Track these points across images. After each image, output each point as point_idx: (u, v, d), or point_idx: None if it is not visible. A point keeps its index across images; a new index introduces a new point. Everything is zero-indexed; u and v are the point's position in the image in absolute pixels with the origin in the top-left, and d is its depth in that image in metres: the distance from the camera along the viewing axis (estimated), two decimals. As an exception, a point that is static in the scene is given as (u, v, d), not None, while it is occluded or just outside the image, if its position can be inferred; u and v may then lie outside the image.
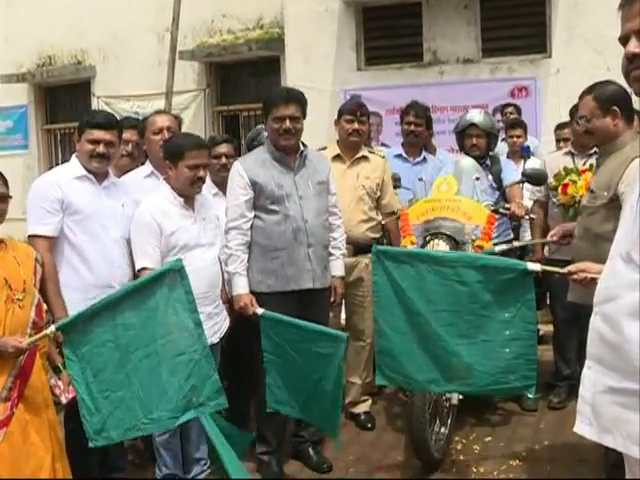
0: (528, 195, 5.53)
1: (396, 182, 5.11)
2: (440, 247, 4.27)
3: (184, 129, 11.12)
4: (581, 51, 8.28)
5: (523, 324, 3.38)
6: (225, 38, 11.29)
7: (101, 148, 3.89)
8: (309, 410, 3.89)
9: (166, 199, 3.96)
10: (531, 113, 8.14)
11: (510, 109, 7.44)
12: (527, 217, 4.89)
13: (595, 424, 2.03)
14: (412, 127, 5.78)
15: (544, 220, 5.29)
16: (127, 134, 4.54)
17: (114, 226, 3.93)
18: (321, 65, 9.47)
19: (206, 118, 11.49)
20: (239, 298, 4.14)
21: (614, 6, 2.02)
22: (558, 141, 6.23)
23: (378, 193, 5.02)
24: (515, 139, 6.52)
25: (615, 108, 3.78)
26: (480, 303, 3.41)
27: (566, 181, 4.83)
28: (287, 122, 4.18)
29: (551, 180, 4.98)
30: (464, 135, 5.29)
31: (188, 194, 4.00)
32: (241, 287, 4.16)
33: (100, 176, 3.96)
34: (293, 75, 9.57)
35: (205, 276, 3.95)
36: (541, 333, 6.36)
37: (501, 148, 6.18)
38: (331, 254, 4.43)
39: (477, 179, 4.65)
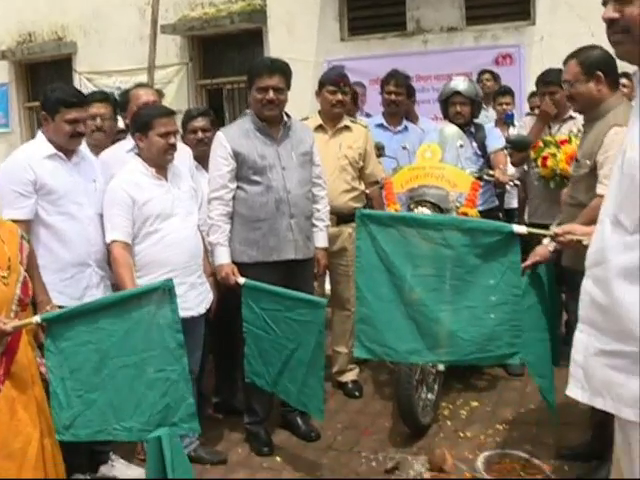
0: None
1: (380, 151, 5.10)
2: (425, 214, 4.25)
3: (167, 104, 11.10)
4: (565, 18, 8.25)
5: (508, 288, 3.32)
6: (207, 11, 11.20)
7: (81, 127, 3.86)
8: (282, 385, 3.88)
9: (137, 171, 3.94)
10: (515, 80, 8.12)
11: (486, 76, 7.37)
12: (512, 183, 4.89)
13: (587, 387, 2.04)
14: (392, 96, 5.78)
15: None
16: (94, 108, 4.48)
17: (87, 203, 3.88)
18: (304, 36, 9.42)
19: (189, 92, 11.43)
20: (221, 268, 4.16)
21: (598, -27, 2.01)
22: (532, 109, 6.25)
23: (361, 163, 5.01)
24: (505, 106, 6.51)
25: (599, 73, 3.71)
26: (465, 267, 3.35)
27: (545, 154, 4.82)
28: (270, 93, 4.17)
29: (531, 154, 4.98)
30: (448, 103, 5.28)
31: (162, 163, 3.98)
32: (223, 257, 4.18)
33: (69, 153, 3.90)
34: (276, 47, 9.52)
35: (185, 246, 3.95)
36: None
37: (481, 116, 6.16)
38: (314, 225, 4.44)
39: (461, 146, 4.65)
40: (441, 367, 4.44)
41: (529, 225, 4.99)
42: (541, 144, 4.92)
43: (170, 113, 4.02)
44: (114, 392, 3.28)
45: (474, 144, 5.24)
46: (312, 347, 3.69)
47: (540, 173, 4.89)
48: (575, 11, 8.05)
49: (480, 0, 8.80)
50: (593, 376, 2.00)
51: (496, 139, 5.34)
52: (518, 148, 4.83)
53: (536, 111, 6.09)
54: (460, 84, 5.28)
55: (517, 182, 4.94)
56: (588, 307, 2.03)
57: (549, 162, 4.76)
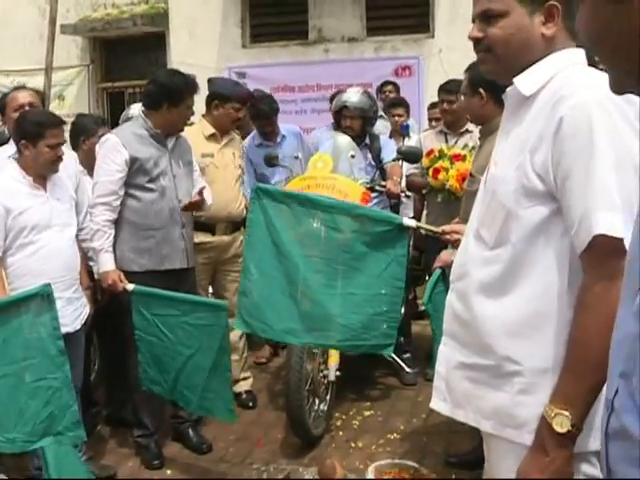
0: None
1: (273, 160, 5.10)
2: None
3: (67, 106, 10.81)
4: (463, 32, 8.20)
5: (391, 280, 3.35)
6: (109, 12, 10.99)
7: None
8: (179, 393, 3.83)
9: (13, 179, 3.77)
10: (414, 92, 8.27)
11: (389, 87, 7.46)
12: (403, 194, 4.93)
13: (449, 399, 2.08)
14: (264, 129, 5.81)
15: (421, 196, 5.37)
16: None
17: None
18: (206, 42, 9.37)
19: (90, 94, 11.18)
20: (107, 275, 4.04)
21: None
22: (430, 120, 6.35)
23: None
24: (397, 118, 6.57)
25: (481, 90, 3.77)
26: (352, 253, 3.36)
27: (437, 166, 4.88)
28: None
29: (424, 159, 5.04)
30: (340, 115, 5.29)
31: (46, 174, 3.83)
32: (108, 264, 4.07)
33: None
34: (178, 51, 9.44)
35: (60, 259, 3.79)
36: (422, 308, 6.48)
37: (380, 126, 6.20)
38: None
39: (352, 157, 4.68)
40: (332, 377, 4.44)
41: (426, 238, 5.10)
42: (436, 154, 4.99)
43: (62, 123, 3.89)
44: None
45: (369, 155, 5.27)
46: (215, 350, 3.65)
47: (430, 183, 4.96)
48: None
49: (380, 12, 8.93)
50: (454, 388, 2.04)
51: (391, 151, 5.36)
52: (409, 159, 4.88)
53: (433, 123, 6.20)
54: (352, 97, 5.25)
55: (409, 193, 4.99)
56: (451, 320, 2.06)
57: (440, 175, 4.83)
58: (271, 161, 5.07)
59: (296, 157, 4.91)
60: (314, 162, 4.60)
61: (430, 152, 5.03)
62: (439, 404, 2.12)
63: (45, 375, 3.18)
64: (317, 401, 4.45)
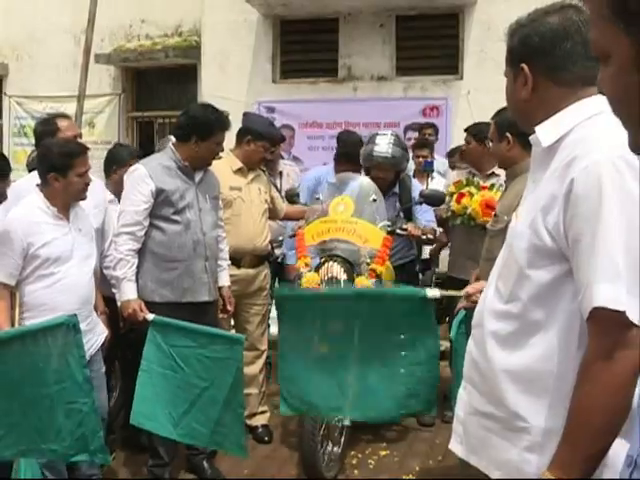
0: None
1: (294, 197, 5.13)
2: (335, 269, 4.25)
3: (97, 134, 10.97)
4: (491, 74, 8.48)
5: (424, 350, 3.42)
6: (143, 43, 11.19)
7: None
8: (187, 428, 3.78)
9: (37, 208, 3.74)
10: (442, 132, 8.28)
11: (430, 130, 7.47)
12: (424, 237, 4.90)
13: (465, 443, 2.10)
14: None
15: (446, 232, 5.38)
16: None
17: None
18: (237, 76, 9.47)
19: (120, 123, 11.35)
20: (128, 304, 4.07)
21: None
22: (452, 168, 6.35)
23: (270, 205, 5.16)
24: (421, 159, 6.58)
25: (508, 135, 3.82)
26: (383, 333, 3.44)
27: (463, 191, 4.88)
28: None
29: (451, 186, 5.06)
30: (368, 166, 5.14)
31: (75, 202, 3.85)
32: (130, 293, 4.10)
33: None
34: (208, 84, 9.55)
35: (77, 292, 3.77)
36: (442, 349, 6.45)
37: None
38: (219, 265, 4.52)
39: (374, 200, 4.58)
40: (347, 422, 4.37)
41: (448, 278, 5.09)
42: (463, 181, 4.98)
43: (86, 149, 3.89)
44: (37, 419, 3.29)
45: (397, 204, 5.17)
46: (229, 385, 3.65)
47: (451, 207, 4.96)
48: (500, 68, 8.09)
49: (410, 52, 9.01)
50: (470, 434, 2.06)
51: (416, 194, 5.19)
52: (431, 203, 4.87)
53: (454, 171, 6.21)
54: (382, 149, 4.99)
55: (430, 236, 4.94)
56: (469, 366, 2.08)
57: (464, 200, 4.81)
58: (291, 198, 5.11)
59: (317, 198, 4.84)
60: (335, 205, 4.53)
61: (458, 181, 5.04)
62: (456, 446, 2.15)
63: (77, 399, 3.32)
64: (331, 445, 4.42)
